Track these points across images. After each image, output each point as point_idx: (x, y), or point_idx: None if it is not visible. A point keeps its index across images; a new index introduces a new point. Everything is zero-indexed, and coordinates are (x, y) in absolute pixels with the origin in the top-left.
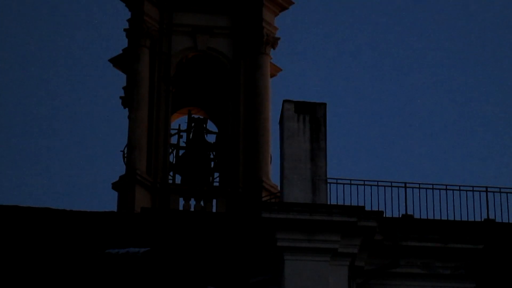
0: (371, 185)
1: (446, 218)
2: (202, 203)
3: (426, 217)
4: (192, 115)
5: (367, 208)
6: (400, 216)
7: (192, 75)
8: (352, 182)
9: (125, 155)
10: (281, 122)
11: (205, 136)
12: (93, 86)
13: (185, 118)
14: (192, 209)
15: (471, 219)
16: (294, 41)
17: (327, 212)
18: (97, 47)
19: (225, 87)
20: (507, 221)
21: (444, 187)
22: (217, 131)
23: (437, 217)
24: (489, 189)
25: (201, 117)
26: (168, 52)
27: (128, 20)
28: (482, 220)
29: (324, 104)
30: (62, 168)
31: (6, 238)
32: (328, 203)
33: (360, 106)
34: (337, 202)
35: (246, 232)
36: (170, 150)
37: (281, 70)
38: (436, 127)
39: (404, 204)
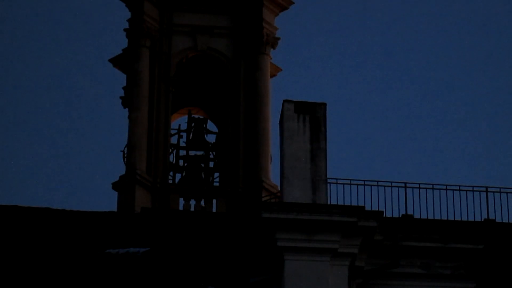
0: (371, 185)
1: (446, 218)
2: (202, 203)
3: (426, 217)
4: (192, 115)
5: (367, 208)
6: (400, 216)
7: (192, 75)
8: (352, 182)
9: (125, 155)
10: (281, 122)
11: (205, 136)
12: (93, 86)
13: (185, 118)
14: (192, 209)
15: (471, 219)
16: (294, 41)
17: (327, 212)
18: (97, 47)
19: (225, 87)
20: (507, 221)
21: (444, 187)
22: (217, 131)
23: (437, 217)
24: (489, 189)
25: (201, 117)
26: (168, 52)
27: (128, 20)
28: (482, 220)
29: (324, 104)
30: (62, 168)
31: (6, 238)
32: (328, 203)
33: (360, 106)
34: (337, 202)
35: (246, 232)
36: (170, 150)
37: (281, 70)
38: (436, 127)
39: (404, 204)
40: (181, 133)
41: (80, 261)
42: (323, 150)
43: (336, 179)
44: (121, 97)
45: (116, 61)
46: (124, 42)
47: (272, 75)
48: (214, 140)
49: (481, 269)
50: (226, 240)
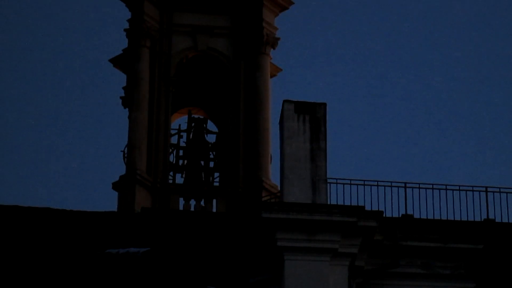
0: (371, 185)
1: (446, 218)
2: (202, 203)
3: (426, 217)
4: (192, 115)
5: (367, 208)
6: (400, 216)
7: (192, 75)
8: (352, 182)
9: (125, 155)
10: (281, 122)
11: (205, 136)
12: (93, 86)
13: (185, 118)
14: (192, 209)
15: (471, 219)
16: (294, 41)
17: (327, 212)
18: (97, 47)
19: (225, 87)
20: (507, 221)
21: (444, 187)
22: (217, 131)
23: (437, 217)
24: (489, 189)
25: (201, 117)
26: (168, 52)
27: (128, 20)
28: (482, 220)
29: (324, 104)
30: (62, 168)
31: (6, 238)
32: (328, 203)
33: (360, 106)
34: (337, 202)
35: (246, 232)
36: (170, 150)
37: (281, 70)
38: (436, 127)
39: (404, 204)
40: (181, 133)
41: (80, 261)
42: (323, 150)
43: (336, 179)
44: (121, 97)
45: (116, 61)
46: (124, 42)
47: (272, 75)
48: (214, 140)
49: (481, 269)
50: (226, 240)
